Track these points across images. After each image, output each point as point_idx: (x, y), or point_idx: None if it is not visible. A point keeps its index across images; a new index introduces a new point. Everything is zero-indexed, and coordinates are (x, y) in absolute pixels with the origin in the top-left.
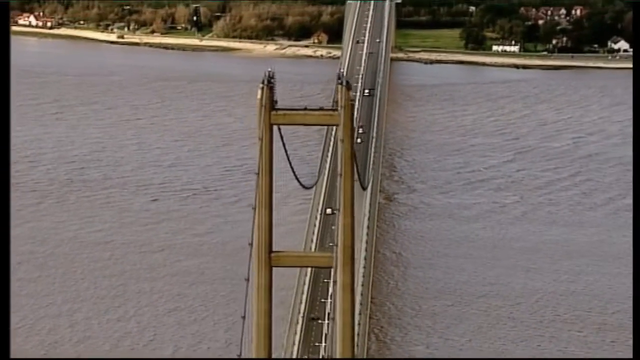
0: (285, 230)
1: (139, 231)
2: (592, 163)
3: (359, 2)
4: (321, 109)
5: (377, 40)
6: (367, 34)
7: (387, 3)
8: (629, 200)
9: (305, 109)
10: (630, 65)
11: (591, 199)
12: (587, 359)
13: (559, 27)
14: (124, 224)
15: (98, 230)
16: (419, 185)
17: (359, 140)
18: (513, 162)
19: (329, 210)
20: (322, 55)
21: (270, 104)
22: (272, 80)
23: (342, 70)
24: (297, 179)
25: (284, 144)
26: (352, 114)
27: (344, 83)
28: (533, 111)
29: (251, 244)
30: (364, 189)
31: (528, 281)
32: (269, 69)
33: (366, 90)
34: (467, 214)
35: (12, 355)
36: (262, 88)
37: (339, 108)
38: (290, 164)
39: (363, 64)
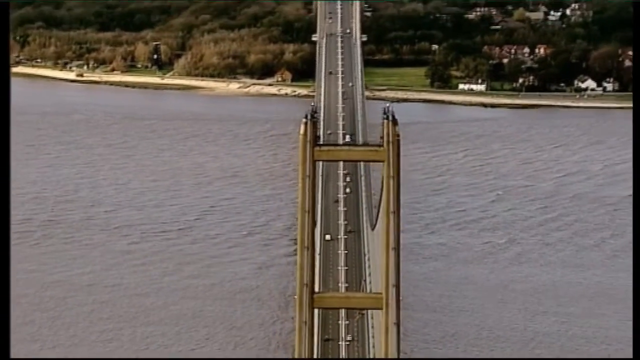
0: (280, 270)
1: (125, 273)
2: (579, 203)
3: (325, 40)
4: (366, 144)
5: (350, 85)
6: (339, 72)
7: (354, 41)
8: (622, 241)
9: (349, 144)
10: (600, 105)
11: (584, 239)
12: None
13: (525, 66)
14: (109, 265)
15: (83, 273)
16: (407, 225)
17: (348, 190)
18: (499, 202)
19: (327, 237)
20: (286, 94)
21: (314, 140)
22: (315, 115)
23: (388, 105)
24: (313, 217)
25: (322, 183)
26: (399, 150)
27: (391, 118)
28: (510, 150)
29: (307, 284)
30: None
31: (532, 324)
32: (312, 104)
33: (347, 136)
34: (461, 255)
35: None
36: (306, 123)
37: (385, 144)
38: (321, 202)
39: (340, 104)
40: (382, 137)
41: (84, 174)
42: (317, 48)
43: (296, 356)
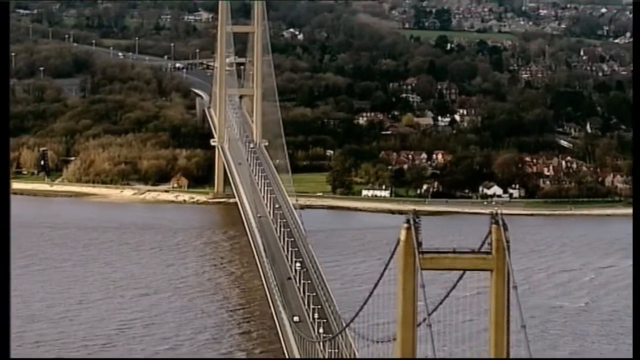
0: None
1: None
2: (539, 314)
3: (227, 146)
4: (473, 251)
5: (277, 206)
6: (257, 179)
7: (256, 146)
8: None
9: (454, 251)
10: (510, 212)
11: (557, 352)
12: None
13: (428, 172)
14: None
15: None
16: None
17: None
18: (452, 314)
19: (296, 318)
20: (184, 201)
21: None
22: (417, 220)
23: (495, 211)
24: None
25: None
26: (508, 257)
27: (500, 222)
28: None
29: None
30: None
31: None
32: (414, 207)
33: (297, 263)
34: None
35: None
36: (408, 228)
37: (494, 251)
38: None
39: (270, 211)
40: (489, 244)
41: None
42: (221, 153)
43: None
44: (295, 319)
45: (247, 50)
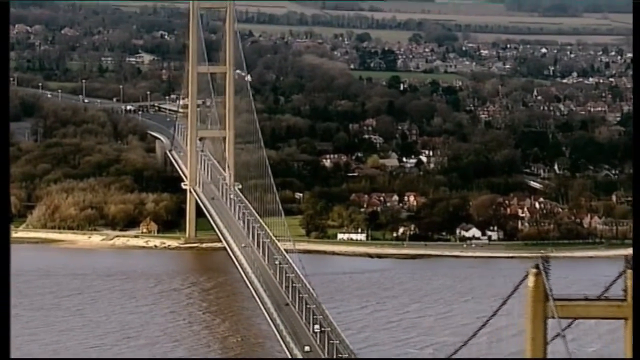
0: None
1: None
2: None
3: (200, 189)
4: (606, 298)
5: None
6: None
7: (230, 189)
8: None
9: (586, 298)
10: (489, 254)
11: None
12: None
13: (403, 215)
14: None
15: None
16: None
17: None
18: None
19: (307, 348)
20: (155, 246)
21: (545, 294)
22: (547, 265)
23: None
24: None
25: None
26: None
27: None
28: (420, 304)
29: None
30: None
31: None
32: (543, 251)
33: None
34: None
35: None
36: (537, 274)
37: (630, 298)
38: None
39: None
40: (624, 290)
41: None
42: (194, 196)
43: None
44: (307, 348)
45: (213, 92)
